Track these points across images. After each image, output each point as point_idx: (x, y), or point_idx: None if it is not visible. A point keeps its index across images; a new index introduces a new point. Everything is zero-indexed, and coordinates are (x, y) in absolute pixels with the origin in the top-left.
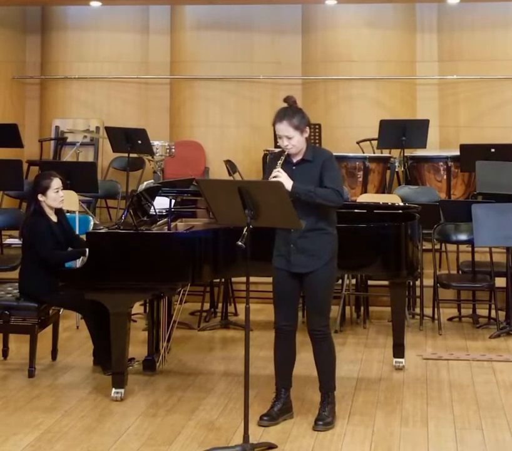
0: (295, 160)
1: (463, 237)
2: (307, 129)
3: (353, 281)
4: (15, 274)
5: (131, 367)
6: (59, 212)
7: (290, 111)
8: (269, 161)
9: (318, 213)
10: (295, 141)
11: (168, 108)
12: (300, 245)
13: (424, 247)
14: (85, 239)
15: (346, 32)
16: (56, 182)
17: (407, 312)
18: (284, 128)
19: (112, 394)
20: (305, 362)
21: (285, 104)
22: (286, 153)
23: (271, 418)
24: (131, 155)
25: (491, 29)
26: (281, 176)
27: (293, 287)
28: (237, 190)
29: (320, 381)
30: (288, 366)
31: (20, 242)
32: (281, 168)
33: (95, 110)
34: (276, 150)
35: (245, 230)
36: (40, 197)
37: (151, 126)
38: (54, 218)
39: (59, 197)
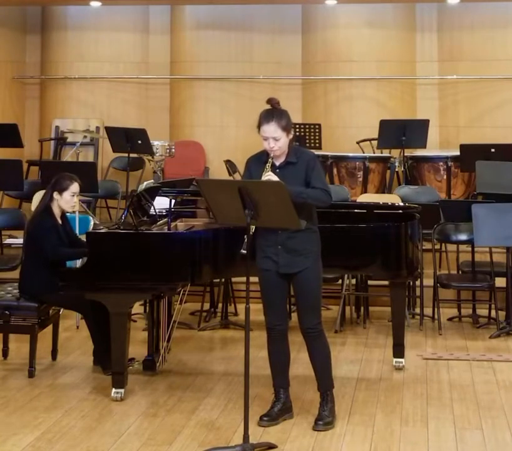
0: (278, 163)
1: (463, 237)
2: (292, 131)
3: (353, 281)
4: (15, 274)
5: (131, 367)
6: (63, 217)
7: (277, 113)
8: (249, 165)
9: (305, 213)
10: (281, 143)
11: (168, 108)
12: (289, 246)
13: (424, 247)
14: (85, 239)
15: (346, 32)
16: (75, 187)
17: (407, 312)
18: (273, 129)
19: (112, 394)
20: (304, 363)
21: (268, 106)
22: (272, 155)
23: (271, 418)
24: (131, 155)
25: (491, 29)
26: (273, 179)
27: (281, 287)
28: (237, 190)
29: (317, 379)
30: (284, 366)
31: (22, 240)
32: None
33: (95, 110)
34: None
35: (246, 237)
36: (55, 195)
37: (151, 126)
38: (59, 220)
39: (71, 201)
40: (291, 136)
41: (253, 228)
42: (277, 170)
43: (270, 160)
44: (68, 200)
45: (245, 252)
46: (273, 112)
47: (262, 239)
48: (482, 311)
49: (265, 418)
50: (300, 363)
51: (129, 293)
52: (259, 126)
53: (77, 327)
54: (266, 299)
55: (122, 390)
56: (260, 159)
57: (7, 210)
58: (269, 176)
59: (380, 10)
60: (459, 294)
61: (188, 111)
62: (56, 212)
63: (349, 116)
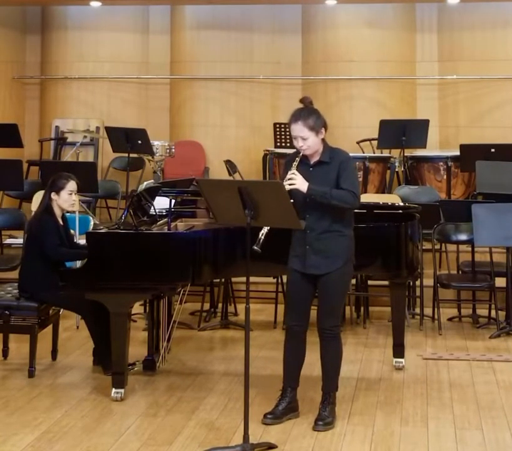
0: (312, 161)
1: (463, 237)
2: (323, 130)
3: (353, 281)
4: (15, 274)
5: (131, 370)
6: (63, 217)
7: (306, 112)
8: (285, 163)
9: (334, 215)
10: (310, 142)
11: (168, 108)
12: (316, 247)
13: (424, 247)
14: (85, 239)
15: (346, 32)
16: (71, 185)
17: (407, 312)
18: (299, 129)
19: (112, 394)
20: (306, 363)
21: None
22: (301, 154)
23: (275, 416)
24: (131, 155)
25: (491, 29)
26: (296, 178)
27: (306, 288)
28: (237, 190)
29: (323, 380)
30: (296, 366)
31: (21, 240)
32: (298, 169)
33: (95, 110)
34: (278, 150)
35: (260, 234)
36: (53, 196)
37: (151, 126)
38: (60, 221)
39: (70, 200)
40: (322, 135)
41: (265, 229)
42: (310, 169)
43: (297, 158)
44: (66, 199)
45: (257, 249)
46: (302, 111)
47: (294, 238)
48: (482, 311)
49: (269, 416)
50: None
51: (129, 293)
52: (289, 125)
53: (77, 327)
54: (289, 298)
55: (122, 390)
56: (294, 158)
57: (7, 210)
58: (292, 174)
59: (380, 10)
60: (459, 294)
61: (188, 111)
62: (57, 212)
63: (349, 116)
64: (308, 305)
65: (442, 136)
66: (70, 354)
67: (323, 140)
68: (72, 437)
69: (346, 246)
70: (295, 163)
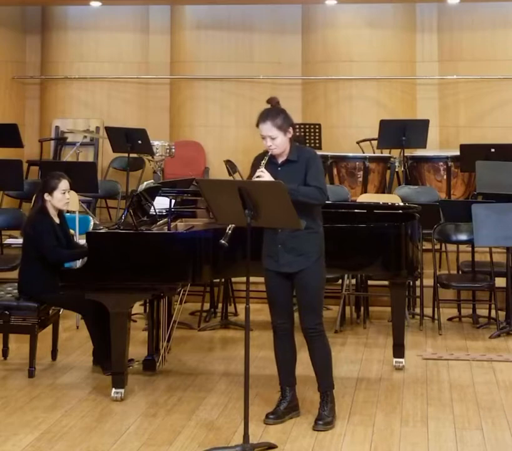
0: (280, 161)
1: (463, 237)
2: (291, 129)
3: (353, 281)
4: (15, 274)
5: (130, 367)
6: (60, 215)
7: (273, 112)
8: (253, 162)
9: (304, 212)
10: (278, 142)
11: (168, 108)
12: (288, 245)
13: (424, 247)
14: (85, 239)
15: (346, 32)
16: (64, 184)
17: (407, 312)
18: (267, 129)
19: (112, 394)
20: (304, 363)
21: (269, 106)
22: (269, 153)
23: (277, 416)
24: (131, 155)
25: (491, 29)
26: (264, 176)
27: (284, 287)
28: (237, 190)
29: (317, 380)
30: (289, 364)
31: (21, 240)
32: (266, 168)
33: (95, 110)
34: None
35: (228, 229)
36: (46, 196)
37: (151, 126)
38: (56, 220)
39: (64, 199)
40: (290, 135)
41: (231, 226)
42: (279, 168)
43: (266, 157)
44: (60, 198)
45: (224, 243)
46: (270, 111)
47: (266, 238)
48: (482, 311)
49: (271, 416)
50: (300, 363)
51: (129, 293)
52: (257, 125)
53: (77, 327)
54: (270, 297)
55: (122, 390)
56: (262, 157)
57: (7, 210)
58: (260, 172)
59: (380, 10)
60: (459, 294)
61: (188, 111)
62: (52, 212)
63: (349, 116)
64: (289, 303)
65: (442, 136)
66: (70, 354)
67: (290, 140)
68: (72, 437)
69: (317, 243)
70: (264, 162)
